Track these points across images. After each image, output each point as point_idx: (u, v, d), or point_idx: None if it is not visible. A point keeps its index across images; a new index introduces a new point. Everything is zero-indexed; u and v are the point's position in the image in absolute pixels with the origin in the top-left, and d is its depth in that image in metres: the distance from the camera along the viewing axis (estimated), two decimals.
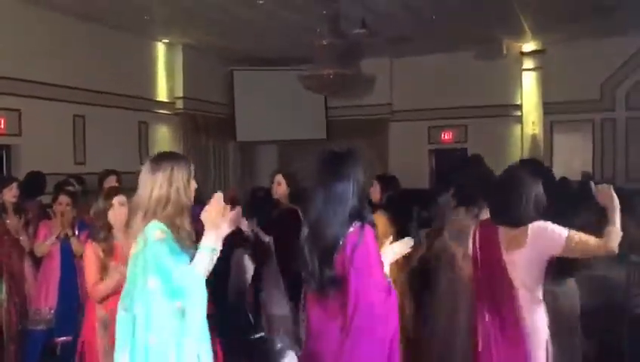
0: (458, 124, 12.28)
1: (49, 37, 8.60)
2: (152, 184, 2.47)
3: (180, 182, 2.49)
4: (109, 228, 3.49)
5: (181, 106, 11.27)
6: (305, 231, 2.85)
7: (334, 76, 9.91)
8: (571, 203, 4.17)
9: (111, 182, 5.50)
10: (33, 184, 6.37)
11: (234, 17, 9.26)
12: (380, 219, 4.09)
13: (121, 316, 2.50)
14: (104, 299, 3.32)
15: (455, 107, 12.03)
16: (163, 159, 2.54)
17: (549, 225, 3.01)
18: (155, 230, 2.43)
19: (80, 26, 9.11)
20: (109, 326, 3.18)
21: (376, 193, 4.92)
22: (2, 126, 8.15)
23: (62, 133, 8.97)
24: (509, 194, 3.10)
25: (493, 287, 3.15)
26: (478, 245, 3.27)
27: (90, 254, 3.44)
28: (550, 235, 2.99)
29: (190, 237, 2.51)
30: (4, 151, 8.36)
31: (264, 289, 5.14)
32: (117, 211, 3.48)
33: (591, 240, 2.94)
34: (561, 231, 2.97)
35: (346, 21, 9.08)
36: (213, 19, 9.41)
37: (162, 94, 11.06)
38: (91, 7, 8.67)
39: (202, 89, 11.60)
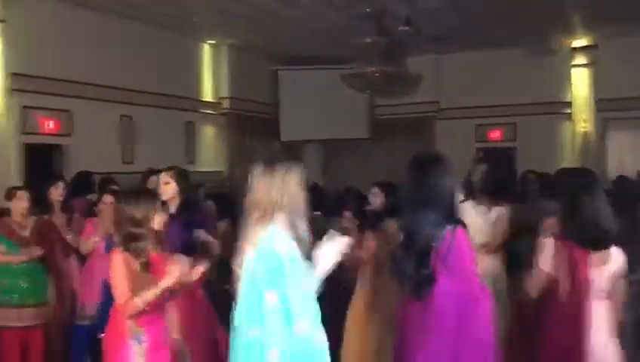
0: (507, 122, 11.99)
1: (98, 39, 8.82)
2: (268, 187, 2.43)
3: (295, 185, 2.46)
4: (154, 237, 3.16)
5: (226, 106, 11.39)
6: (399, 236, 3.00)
7: (379, 75, 9.83)
8: (631, 200, 4.03)
9: (153, 182, 5.56)
10: (82, 183, 6.56)
11: (278, 17, 9.29)
12: (391, 226, 4.13)
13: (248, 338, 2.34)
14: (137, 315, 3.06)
15: (503, 105, 11.75)
16: (277, 162, 2.52)
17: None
18: (280, 240, 2.36)
19: (128, 27, 9.31)
20: (143, 343, 3.04)
21: (377, 200, 4.79)
22: (53, 126, 8.41)
23: (110, 133, 9.20)
24: (591, 219, 2.98)
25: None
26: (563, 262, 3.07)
27: (120, 264, 3.04)
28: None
29: (306, 242, 2.44)
30: (55, 151, 8.63)
31: None
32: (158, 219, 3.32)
33: None
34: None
35: (390, 19, 8.98)
36: (257, 20, 9.46)
37: (208, 94, 11.21)
38: (139, 9, 8.85)
39: (247, 89, 11.69)
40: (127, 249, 3.08)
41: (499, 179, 4.80)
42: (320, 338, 2.26)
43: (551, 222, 3.38)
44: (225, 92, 11.38)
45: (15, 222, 4.81)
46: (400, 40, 9.89)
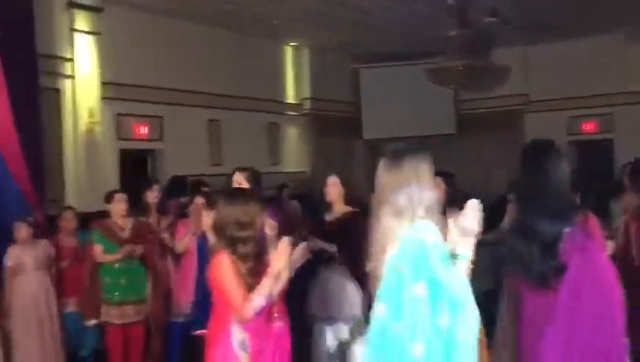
0: (602, 112, 11.33)
1: (185, 47, 9.11)
2: (401, 181, 2.25)
3: (428, 177, 2.29)
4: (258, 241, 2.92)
5: (308, 107, 11.46)
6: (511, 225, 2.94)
7: (464, 68, 9.54)
8: None
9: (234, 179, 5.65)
10: (176, 186, 6.79)
11: (358, 14, 9.23)
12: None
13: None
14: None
15: (599, 94, 11.11)
16: (406, 153, 2.33)
17: None
18: (427, 231, 2.22)
19: (214, 34, 9.55)
20: (248, 350, 2.87)
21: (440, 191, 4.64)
22: (146, 131, 8.76)
23: (199, 136, 9.47)
24: None
25: None
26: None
27: (229, 267, 2.81)
28: None
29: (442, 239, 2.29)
30: (148, 155, 8.98)
31: None
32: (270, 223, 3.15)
33: None
34: None
35: (475, 10, 8.70)
36: (337, 18, 9.44)
37: (290, 96, 11.32)
38: (224, 16, 9.05)
39: (329, 89, 11.71)
40: (233, 252, 2.85)
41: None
42: (465, 333, 2.12)
43: None
44: (307, 93, 11.46)
45: (115, 224, 5.02)
46: (486, 32, 9.56)
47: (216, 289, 2.86)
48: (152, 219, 5.52)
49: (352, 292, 4.41)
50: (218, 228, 2.92)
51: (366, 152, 12.96)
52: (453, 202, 4.39)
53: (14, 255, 5.02)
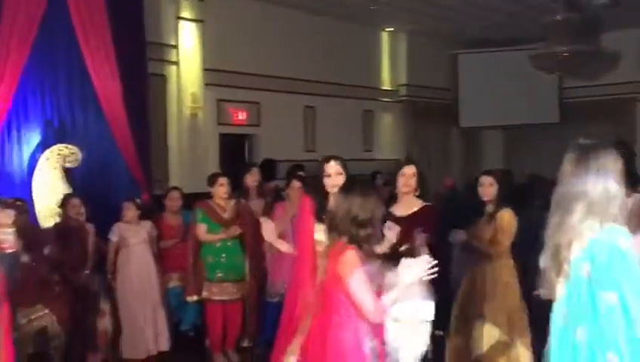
0: None
1: (284, 33, 9.24)
2: (589, 177, 2.08)
3: (617, 175, 2.10)
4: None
5: (404, 93, 11.33)
6: None
7: (570, 54, 9.09)
8: None
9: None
10: (266, 170, 6.94)
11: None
12: (507, 214, 4.23)
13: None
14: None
15: None
16: (595, 149, 2.15)
17: None
18: (621, 235, 2.06)
19: (310, 20, 9.63)
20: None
21: (490, 191, 4.38)
22: (245, 117, 9.00)
23: (294, 122, 9.62)
24: None
25: None
26: None
27: (359, 266, 2.62)
28: None
29: None
30: (246, 140, 9.23)
31: None
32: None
33: None
34: None
35: None
36: (435, 3, 9.24)
37: (386, 82, 11.23)
38: (321, 1, 9.10)
39: (425, 75, 11.50)
40: (360, 248, 2.66)
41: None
42: None
43: None
44: (403, 79, 11.32)
45: (217, 205, 5.20)
46: (594, 15, 9.03)
47: (341, 286, 2.64)
48: (252, 201, 5.67)
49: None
50: (338, 222, 2.72)
51: (462, 140, 12.67)
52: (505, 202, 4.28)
53: (119, 231, 5.34)
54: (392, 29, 11.07)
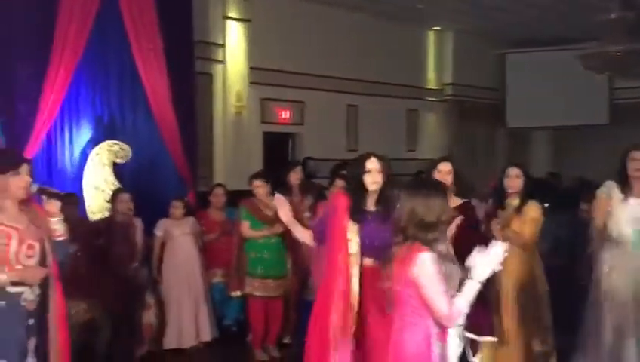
0: None
1: (328, 32, 9.26)
2: None
3: None
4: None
5: (450, 93, 11.21)
6: None
7: (623, 54, 8.81)
8: None
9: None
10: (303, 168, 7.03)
11: None
12: (534, 206, 4.15)
13: None
14: None
15: None
16: None
17: None
18: None
19: (355, 18, 9.61)
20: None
21: (517, 183, 4.25)
22: (289, 116, 9.06)
23: (337, 121, 9.62)
24: None
25: None
26: None
27: (434, 267, 2.51)
28: None
29: None
30: (289, 139, 9.28)
31: None
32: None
33: None
34: None
35: None
36: (483, 2, 9.10)
37: (431, 82, 11.13)
38: (367, 1, 9.07)
39: (472, 74, 11.34)
40: (432, 250, 2.54)
41: None
42: None
43: None
44: (448, 78, 11.20)
45: (261, 202, 5.25)
46: None
47: (414, 290, 2.53)
48: (295, 199, 5.69)
49: None
50: (404, 225, 2.59)
51: (509, 141, 12.44)
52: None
53: (164, 226, 5.48)
54: (439, 28, 10.96)
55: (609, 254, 4.12)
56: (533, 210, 4.20)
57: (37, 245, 2.95)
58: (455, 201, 3.94)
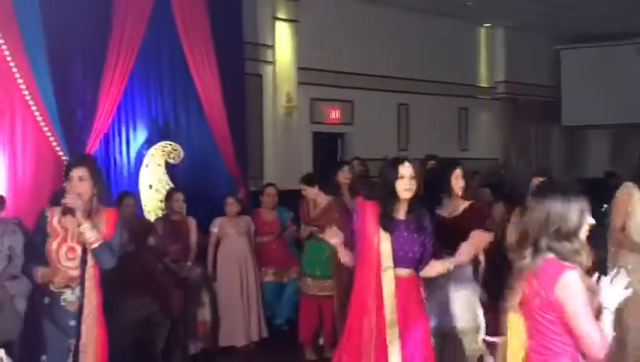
0: None
1: (377, 31, 9.20)
2: None
3: None
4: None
5: (502, 91, 10.98)
6: None
7: None
8: None
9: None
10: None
11: None
12: None
13: None
14: None
15: None
16: None
17: None
18: None
19: (404, 16, 9.52)
20: None
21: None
22: (338, 116, 9.05)
23: (387, 121, 9.55)
24: None
25: None
26: None
27: (582, 288, 2.13)
28: None
29: None
30: (339, 138, 9.27)
31: None
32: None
33: None
34: None
35: None
36: None
37: (483, 79, 10.93)
38: None
39: (525, 71, 11.07)
40: (573, 266, 2.16)
41: None
42: None
43: None
44: (501, 76, 10.98)
45: (311, 202, 5.25)
46: None
47: (558, 313, 2.15)
48: (345, 198, 5.67)
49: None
50: (536, 235, 2.23)
51: (564, 139, 12.10)
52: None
53: (219, 224, 5.52)
54: (490, 24, 10.74)
55: (629, 256, 3.96)
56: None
57: (79, 248, 2.98)
58: (463, 203, 3.91)
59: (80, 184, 2.99)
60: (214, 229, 5.52)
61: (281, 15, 8.16)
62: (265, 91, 8.12)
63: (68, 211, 2.96)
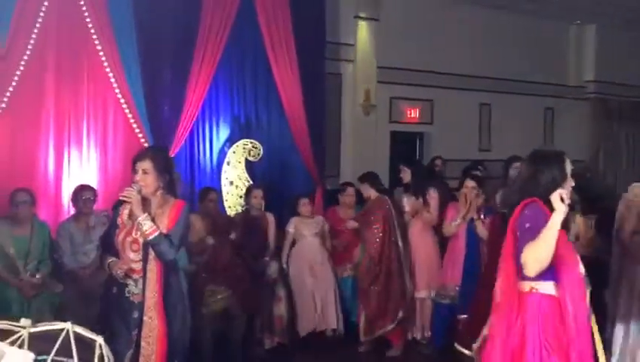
0: None
1: (458, 29, 9.01)
2: None
3: None
4: None
5: (591, 90, 10.49)
6: None
7: None
8: None
9: (517, 167, 5.46)
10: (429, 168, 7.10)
11: None
12: None
13: None
14: None
15: None
16: None
17: None
18: None
19: (486, 14, 9.27)
20: None
21: None
22: (417, 115, 8.95)
23: (468, 120, 9.35)
24: None
25: None
26: None
27: None
28: None
29: None
30: (417, 138, 9.17)
31: None
32: None
33: None
34: None
35: None
36: None
37: (571, 79, 10.48)
38: None
39: (616, 70, 10.49)
40: None
41: None
42: None
43: None
44: (590, 75, 10.49)
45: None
46: None
47: None
48: (408, 199, 5.70)
49: None
50: None
51: None
52: None
53: (295, 224, 5.66)
54: (579, 21, 10.28)
55: None
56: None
57: (142, 241, 3.06)
58: None
59: (144, 177, 3.07)
60: (290, 229, 5.66)
61: (362, 14, 8.15)
62: (344, 90, 8.15)
63: (123, 202, 3.04)
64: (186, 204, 3.27)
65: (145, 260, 3.06)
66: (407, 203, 5.71)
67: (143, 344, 3.02)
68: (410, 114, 8.96)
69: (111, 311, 3.14)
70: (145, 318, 3.03)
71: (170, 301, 3.11)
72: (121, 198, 3.07)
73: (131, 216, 3.13)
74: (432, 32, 8.78)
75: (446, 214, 5.36)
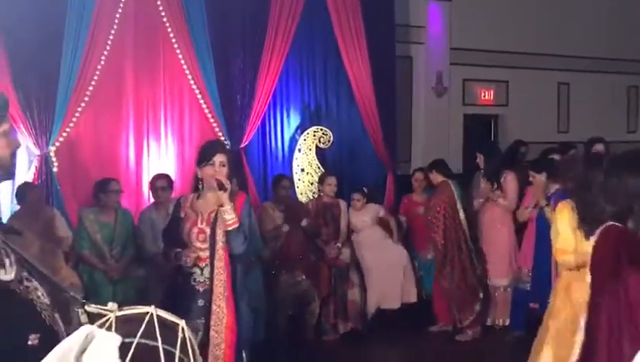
0: None
1: (532, 7, 8.66)
2: None
3: None
4: None
5: None
6: None
7: None
8: None
9: (598, 149, 5.27)
10: (512, 151, 6.79)
11: None
12: None
13: None
14: None
15: None
16: None
17: None
18: None
19: None
20: None
21: None
22: (491, 97, 8.70)
23: (545, 101, 9.00)
24: None
25: None
26: None
27: None
28: None
29: None
30: (492, 120, 8.92)
31: None
32: None
33: None
34: None
35: None
36: None
37: None
38: None
39: None
40: None
41: None
42: None
43: None
44: None
45: None
46: None
47: None
48: (484, 185, 5.58)
49: None
50: None
51: None
52: None
53: (349, 216, 5.68)
54: None
55: None
56: None
57: (208, 230, 3.13)
58: None
59: (222, 169, 3.15)
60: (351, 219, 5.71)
61: None
62: (415, 73, 8.01)
63: (220, 188, 3.07)
64: (247, 195, 3.38)
65: (212, 248, 3.12)
66: (482, 188, 5.61)
67: (211, 333, 3.06)
68: (485, 96, 8.72)
69: (175, 299, 3.18)
70: (213, 307, 3.07)
71: (238, 290, 3.17)
72: (217, 183, 3.08)
73: (193, 207, 3.22)
74: (505, 10, 8.49)
75: (525, 199, 5.23)
